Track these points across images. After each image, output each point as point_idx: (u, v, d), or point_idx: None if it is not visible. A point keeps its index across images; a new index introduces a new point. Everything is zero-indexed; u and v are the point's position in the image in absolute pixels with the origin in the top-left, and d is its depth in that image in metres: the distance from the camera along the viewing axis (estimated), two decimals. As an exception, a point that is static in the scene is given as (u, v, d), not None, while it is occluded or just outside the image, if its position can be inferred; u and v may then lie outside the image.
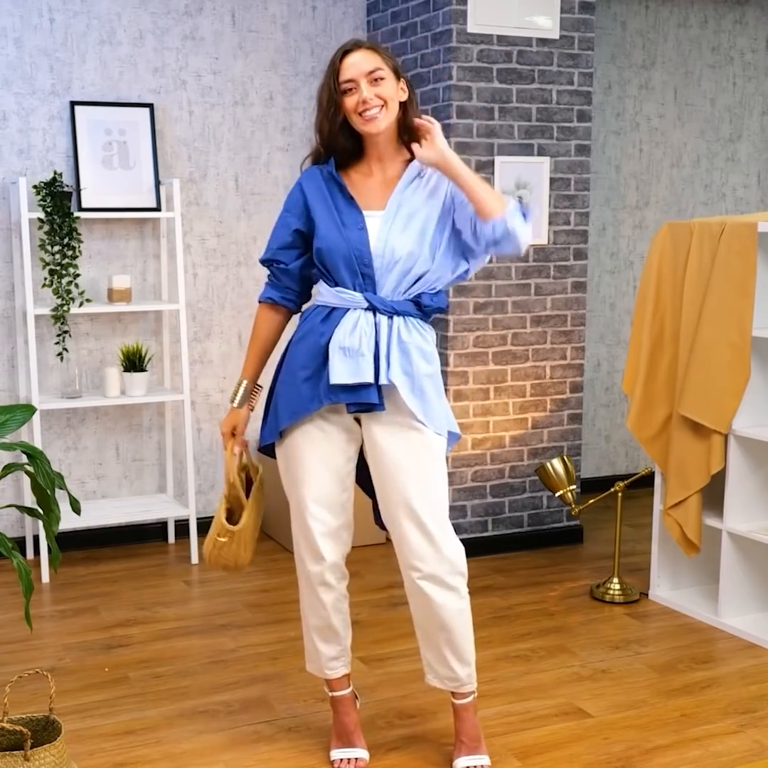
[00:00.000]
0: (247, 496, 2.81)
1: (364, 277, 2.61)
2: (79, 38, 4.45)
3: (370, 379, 2.58)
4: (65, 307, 4.24)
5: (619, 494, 4.16)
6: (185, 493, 4.72)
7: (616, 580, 4.10)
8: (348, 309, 2.62)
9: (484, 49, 4.34)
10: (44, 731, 2.59)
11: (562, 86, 4.50)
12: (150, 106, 4.53)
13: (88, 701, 3.24)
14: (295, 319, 2.82)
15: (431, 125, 2.58)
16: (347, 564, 2.79)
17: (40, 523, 3.21)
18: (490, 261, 4.46)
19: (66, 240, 4.25)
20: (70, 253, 4.27)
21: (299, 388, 2.64)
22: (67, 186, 4.29)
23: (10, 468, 3.02)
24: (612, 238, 5.49)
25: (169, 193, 4.51)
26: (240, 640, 3.71)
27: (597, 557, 4.60)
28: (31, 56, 4.40)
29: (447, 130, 4.30)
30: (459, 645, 2.73)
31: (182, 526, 4.78)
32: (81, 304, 4.30)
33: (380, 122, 2.57)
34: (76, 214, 4.28)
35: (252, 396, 2.82)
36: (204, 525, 4.72)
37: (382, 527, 2.79)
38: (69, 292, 4.27)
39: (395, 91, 2.59)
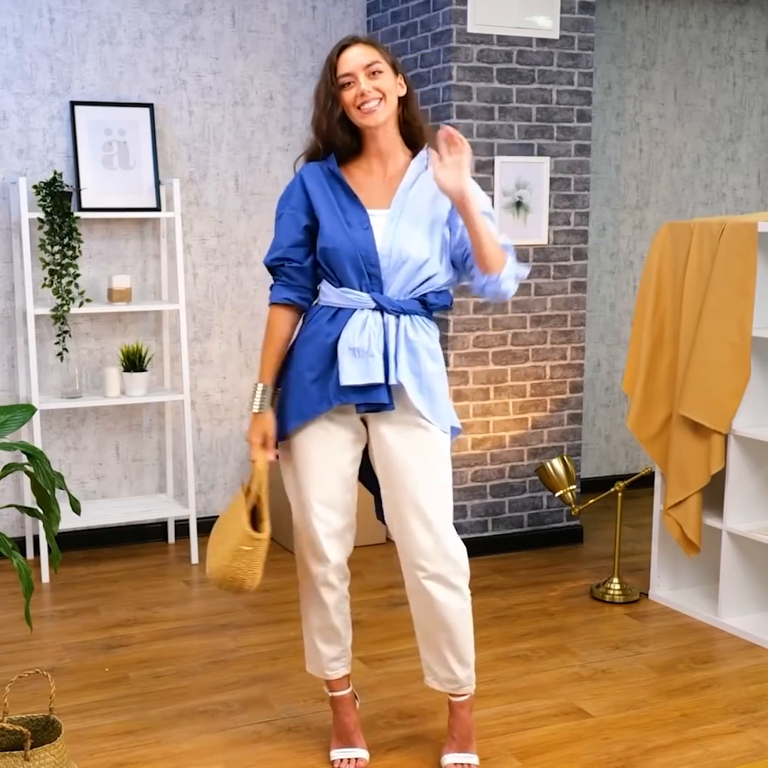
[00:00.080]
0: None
1: (370, 277, 2.59)
2: (79, 38, 4.45)
3: (381, 380, 2.57)
4: (65, 307, 4.24)
5: (619, 494, 4.16)
6: (185, 493, 4.73)
7: (616, 580, 4.10)
8: (354, 309, 2.60)
9: (484, 49, 4.34)
10: (44, 731, 2.59)
11: (562, 86, 4.50)
12: (150, 106, 4.53)
13: (88, 701, 3.24)
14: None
15: (461, 144, 2.44)
16: (347, 564, 2.79)
17: (40, 523, 3.21)
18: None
19: (66, 240, 4.25)
20: (70, 253, 4.27)
21: (307, 390, 2.62)
22: (67, 186, 4.29)
23: (10, 468, 3.02)
24: (612, 238, 5.49)
25: (169, 193, 4.51)
26: (240, 640, 3.71)
27: (597, 557, 4.60)
28: (31, 56, 4.40)
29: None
30: (460, 646, 2.73)
31: (182, 526, 4.78)
32: (81, 304, 4.30)
33: (379, 115, 2.55)
34: (76, 214, 4.28)
35: (273, 399, 2.72)
36: (204, 525, 4.72)
37: (383, 521, 2.79)
38: (69, 292, 4.27)
39: (393, 85, 2.57)
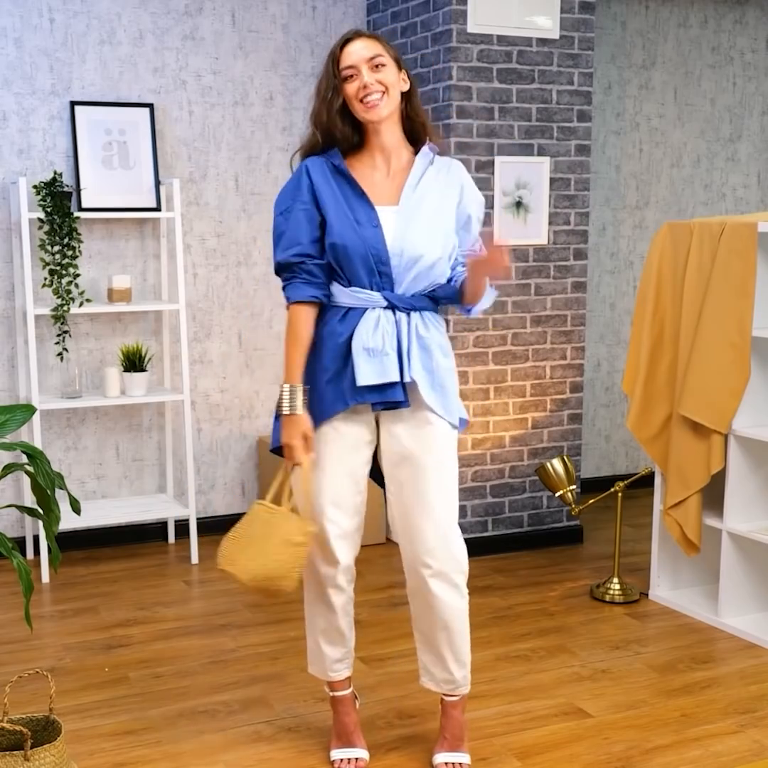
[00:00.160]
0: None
1: (380, 276, 2.57)
2: (79, 38, 4.45)
3: (397, 378, 2.56)
4: (65, 307, 4.24)
5: (619, 494, 4.16)
6: (185, 493, 4.72)
7: (616, 580, 4.10)
8: (365, 308, 2.58)
9: (484, 49, 4.34)
10: (44, 731, 2.59)
11: (562, 86, 4.50)
12: (150, 106, 4.53)
13: (88, 701, 3.24)
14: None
15: (502, 258, 2.49)
16: None
17: (40, 523, 3.20)
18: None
19: (66, 240, 4.25)
20: (70, 253, 4.27)
21: (322, 391, 2.61)
22: (67, 186, 4.29)
23: (10, 468, 3.02)
24: (612, 238, 5.49)
25: (169, 193, 4.51)
26: (240, 640, 3.71)
27: (597, 557, 4.60)
28: (31, 56, 4.40)
29: (447, 130, 4.30)
30: (458, 646, 2.73)
31: (182, 526, 4.78)
32: (81, 304, 4.30)
33: (381, 109, 2.54)
34: (76, 214, 4.28)
35: (305, 398, 2.63)
36: (204, 525, 4.72)
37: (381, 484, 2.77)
38: (69, 292, 4.26)
39: (396, 80, 2.56)
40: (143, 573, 4.42)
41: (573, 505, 4.26)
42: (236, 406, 4.90)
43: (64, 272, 4.26)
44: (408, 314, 2.60)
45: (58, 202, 4.20)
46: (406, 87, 2.60)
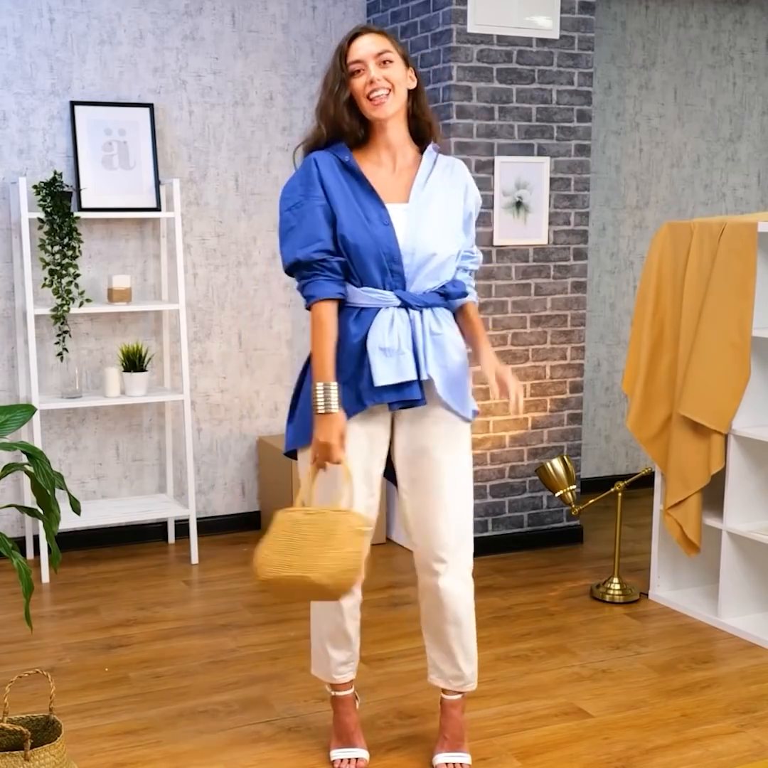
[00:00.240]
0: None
1: (393, 275, 2.56)
2: (79, 38, 4.45)
3: (414, 376, 2.55)
4: (65, 307, 4.24)
5: (619, 494, 4.16)
6: (185, 493, 4.72)
7: (616, 580, 4.10)
8: (378, 308, 2.57)
9: (484, 49, 4.34)
10: (44, 731, 2.59)
11: (562, 86, 4.50)
12: (150, 106, 4.53)
13: (88, 701, 3.24)
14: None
15: (510, 393, 2.60)
16: None
17: (40, 523, 3.20)
18: (490, 261, 4.47)
19: (66, 240, 4.25)
20: (70, 253, 4.27)
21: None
22: (67, 186, 4.29)
23: (10, 468, 3.02)
24: (612, 238, 5.49)
25: (169, 193, 4.51)
26: (240, 640, 3.71)
27: (597, 557, 4.60)
28: (31, 56, 4.40)
29: (447, 130, 4.30)
30: (468, 641, 2.75)
31: (182, 526, 4.78)
32: (81, 304, 4.30)
33: (388, 106, 2.53)
34: (76, 214, 4.28)
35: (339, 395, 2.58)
36: (204, 525, 4.73)
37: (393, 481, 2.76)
38: (69, 292, 4.26)
39: (403, 77, 2.56)
40: (143, 573, 4.42)
41: (573, 505, 4.26)
42: (236, 406, 4.90)
43: (64, 272, 4.26)
44: (421, 312, 2.59)
45: (58, 202, 4.20)
46: (413, 85, 2.59)
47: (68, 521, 3.96)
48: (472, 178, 2.73)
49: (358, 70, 2.53)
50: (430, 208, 2.59)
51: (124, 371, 4.43)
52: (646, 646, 3.66)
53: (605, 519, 4.95)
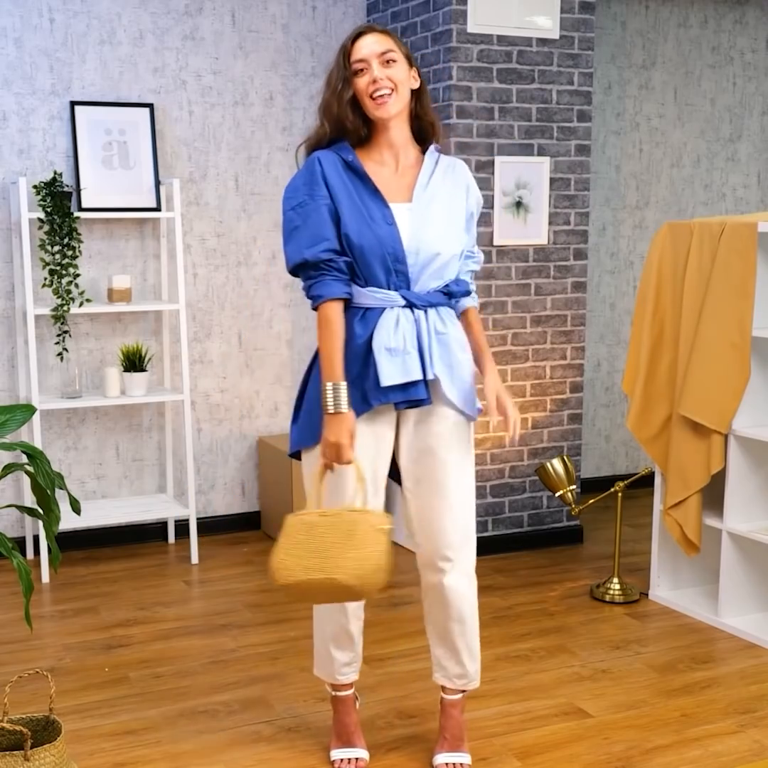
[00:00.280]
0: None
1: (397, 275, 2.56)
2: (79, 38, 4.45)
3: (420, 376, 2.56)
4: (65, 307, 4.24)
5: (619, 494, 4.16)
6: (185, 493, 4.73)
7: (616, 580, 4.10)
8: (383, 308, 2.56)
9: (484, 49, 4.34)
10: (44, 731, 2.59)
11: (562, 86, 4.50)
12: (150, 106, 4.53)
13: (88, 701, 3.24)
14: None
15: (508, 423, 2.68)
16: None
17: (40, 523, 3.21)
18: (490, 261, 4.47)
19: (66, 240, 4.25)
20: (70, 253, 4.27)
21: None
22: (67, 186, 4.29)
23: (10, 468, 3.02)
24: (612, 238, 5.49)
25: (169, 193, 4.51)
26: (240, 640, 3.71)
27: (597, 557, 4.60)
28: (31, 56, 4.40)
29: (447, 130, 4.30)
30: (472, 638, 2.76)
31: (182, 526, 4.78)
32: (81, 304, 4.30)
33: (390, 106, 2.52)
34: (76, 214, 4.28)
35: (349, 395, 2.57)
36: (204, 525, 4.73)
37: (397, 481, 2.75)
38: (69, 292, 4.26)
39: (407, 77, 2.56)
40: (143, 573, 4.42)
41: (573, 505, 4.26)
42: (236, 406, 4.90)
43: (64, 272, 4.26)
44: (425, 311, 2.59)
45: (58, 202, 4.20)
46: (416, 85, 2.59)
47: (68, 521, 3.96)
48: (473, 178, 2.73)
49: (362, 69, 2.53)
50: (433, 208, 2.59)
51: (124, 371, 4.43)
52: (646, 646, 3.66)
53: (605, 519, 4.95)
